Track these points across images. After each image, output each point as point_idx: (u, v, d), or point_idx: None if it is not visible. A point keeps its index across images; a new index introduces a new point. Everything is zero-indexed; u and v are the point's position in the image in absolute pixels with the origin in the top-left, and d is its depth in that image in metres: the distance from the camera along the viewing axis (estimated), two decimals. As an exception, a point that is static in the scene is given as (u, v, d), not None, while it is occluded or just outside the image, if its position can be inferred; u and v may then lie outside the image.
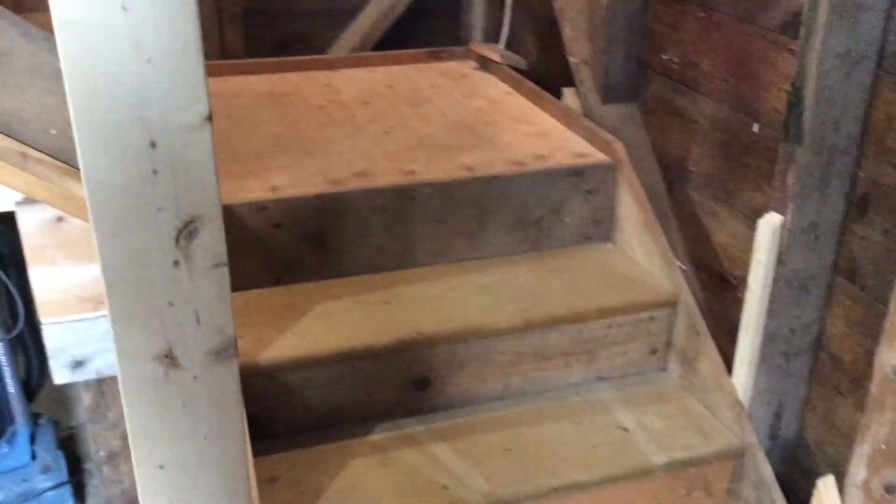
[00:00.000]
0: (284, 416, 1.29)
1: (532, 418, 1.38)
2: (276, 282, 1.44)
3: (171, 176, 0.75)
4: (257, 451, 1.20)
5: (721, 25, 1.46)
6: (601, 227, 1.62)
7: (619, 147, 1.58)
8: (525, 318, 1.38)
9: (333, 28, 2.14)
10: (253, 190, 1.42)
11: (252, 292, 1.41)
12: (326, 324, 1.34)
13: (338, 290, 1.43)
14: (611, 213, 1.61)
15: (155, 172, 0.74)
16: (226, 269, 0.81)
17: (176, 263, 0.78)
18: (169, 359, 0.81)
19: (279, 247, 1.42)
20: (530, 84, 1.93)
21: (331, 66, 2.09)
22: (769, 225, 1.23)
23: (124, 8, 0.67)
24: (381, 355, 1.31)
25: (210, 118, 0.76)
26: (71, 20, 0.66)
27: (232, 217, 1.37)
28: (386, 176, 1.49)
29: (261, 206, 1.39)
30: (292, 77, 2.01)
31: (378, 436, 1.32)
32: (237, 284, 1.39)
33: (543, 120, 1.78)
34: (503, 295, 1.44)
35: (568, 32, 1.75)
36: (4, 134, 1.15)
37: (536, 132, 1.71)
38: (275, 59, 2.05)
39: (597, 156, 1.61)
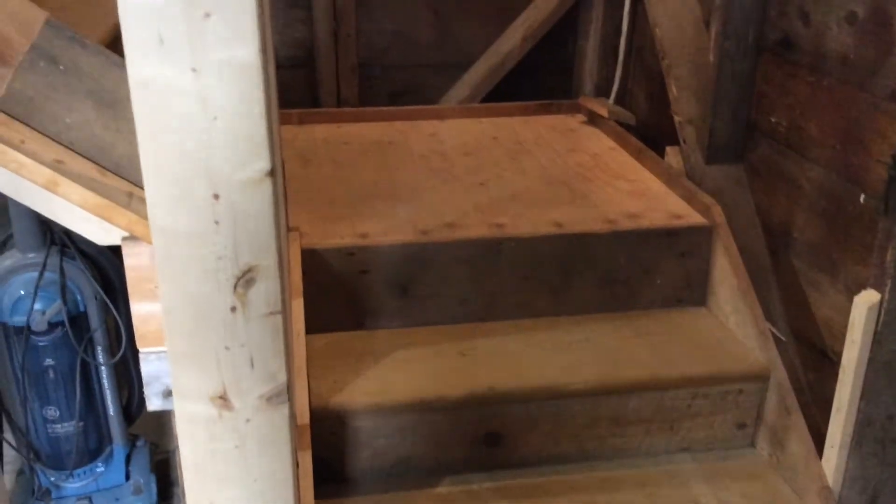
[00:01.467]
0: (354, 461, 1.31)
1: (605, 485, 1.34)
2: (359, 326, 1.47)
3: (231, 227, 0.79)
4: (324, 495, 1.22)
5: (831, 90, 1.39)
6: (694, 292, 1.56)
7: (718, 210, 1.53)
8: (603, 380, 1.35)
9: (444, 80, 2.19)
10: (343, 236, 1.46)
11: (335, 335, 1.44)
12: (402, 372, 1.36)
13: (418, 338, 1.45)
14: (705, 278, 1.55)
15: (217, 223, 0.78)
16: (280, 317, 0.83)
17: (233, 309, 0.82)
18: (223, 400, 0.84)
19: (364, 292, 1.45)
20: (635, 140, 1.90)
21: (439, 116, 2.14)
22: (866, 303, 1.16)
23: (194, 70, 0.72)
24: (453, 408, 1.32)
25: (273, 173, 0.80)
26: (144, 78, 0.71)
27: (320, 261, 1.42)
28: (474, 228, 1.51)
29: (349, 252, 1.43)
30: (401, 126, 2.07)
31: (445, 489, 1.32)
32: (321, 326, 1.45)
33: (643, 178, 1.75)
34: (583, 355, 1.41)
35: (674, 90, 1.73)
36: (116, 174, 1.24)
37: (634, 190, 1.69)
38: (386, 109, 2.12)
39: (693, 217, 1.56)
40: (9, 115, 1.20)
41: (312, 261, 1.42)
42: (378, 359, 1.39)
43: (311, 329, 1.44)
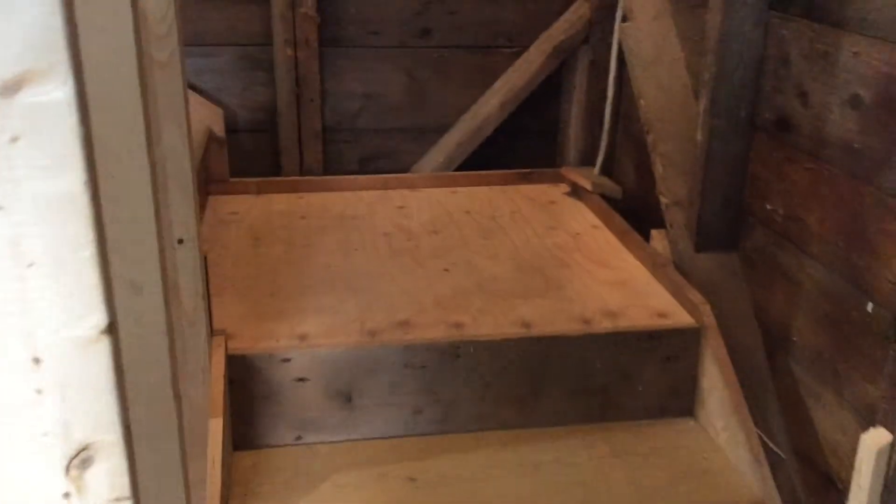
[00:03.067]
0: None
1: None
2: (297, 439, 1.29)
3: (58, 397, 0.62)
4: None
5: (833, 181, 1.22)
6: (680, 400, 1.38)
7: (707, 310, 1.35)
8: (571, 515, 1.17)
9: (418, 145, 2.04)
10: (279, 337, 1.29)
11: (266, 451, 1.27)
12: (338, 500, 1.18)
13: (363, 455, 1.27)
14: (693, 385, 1.37)
15: (39, 392, 0.61)
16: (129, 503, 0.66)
17: (66, 496, 0.64)
18: None
19: (302, 402, 1.28)
20: (619, 220, 1.73)
21: (410, 185, 1.98)
22: (874, 444, 0.97)
23: (1, 207, 0.56)
24: (395, 547, 1.13)
25: (112, 329, 0.63)
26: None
27: (251, 369, 1.25)
28: (429, 328, 1.33)
29: (284, 359, 1.26)
30: (369, 196, 1.91)
31: None
32: (251, 441, 1.27)
33: (627, 264, 1.58)
34: (551, 480, 1.23)
35: (660, 168, 1.56)
36: None
37: (615, 280, 1.51)
38: (352, 178, 1.96)
39: (680, 316, 1.38)
40: None
41: (241, 368, 1.24)
42: (313, 483, 1.21)
43: (239, 445, 1.26)
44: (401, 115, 2.02)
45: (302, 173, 1.98)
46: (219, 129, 1.89)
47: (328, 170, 2.02)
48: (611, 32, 1.82)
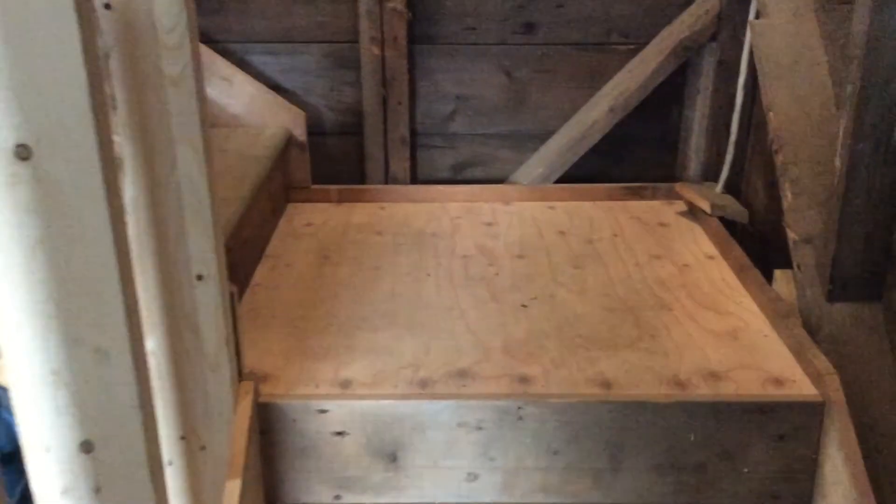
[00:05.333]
0: None
1: None
2: (336, 498, 1.14)
3: None
4: None
5: None
6: (796, 485, 1.13)
7: (834, 382, 1.09)
8: None
9: (517, 152, 1.84)
10: (319, 383, 1.14)
11: (299, 511, 1.13)
12: (368, 581, 1.02)
13: (406, 524, 1.11)
14: (812, 470, 1.12)
15: None
16: None
17: None
18: None
19: (341, 458, 1.13)
20: (739, 252, 1.48)
21: (504, 198, 1.79)
22: None
23: None
24: None
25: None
26: None
27: (284, 419, 1.11)
28: (492, 380, 1.15)
29: (321, 410, 1.11)
30: (455, 209, 1.74)
31: None
32: (288, 499, 1.14)
33: (741, 310, 1.33)
34: (621, 580, 1.02)
35: (788, 197, 1.30)
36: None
37: (724, 330, 1.27)
38: (440, 188, 1.80)
39: (800, 385, 1.13)
40: None
41: (274, 417, 1.11)
42: (344, 555, 1.06)
43: (271, 502, 1.13)
44: (498, 120, 1.83)
45: (387, 181, 1.83)
46: (300, 133, 1.76)
47: (417, 177, 1.86)
48: (743, 29, 1.56)
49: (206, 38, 1.74)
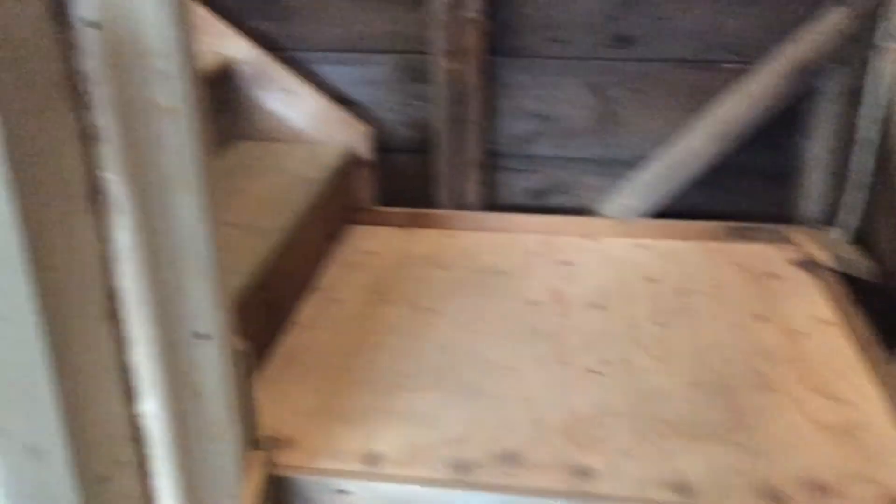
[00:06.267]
0: None
1: None
2: (355, 591, 0.99)
3: None
4: None
5: None
6: None
7: (981, 514, 0.86)
8: None
9: (605, 180, 1.64)
10: (344, 454, 0.99)
11: None
12: None
13: None
14: None
15: None
16: None
17: None
18: None
19: (362, 547, 0.97)
20: (863, 320, 1.23)
21: (588, 232, 1.59)
22: None
23: None
24: None
25: None
26: None
27: (298, 496, 0.96)
28: (543, 469, 0.96)
29: (340, 489, 0.95)
30: (530, 242, 1.56)
31: None
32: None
33: (863, 397, 1.09)
34: None
35: (930, 263, 1.05)
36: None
37: (838, 424, 1.04)
38: (515, 217, 1.61)
39: (934, 511, 0.90)
40: None
41: (288, 492, 0.96)
42: None
43: (279, 588, 0.98)
44: (586, 142, 1.63)
45: (458, 205, 1.66)
46: (365, 151, 1.62)
47: (492, 202, 1.68)
48: (875, 52, 1.31)
49: (271, 47, 1.61)
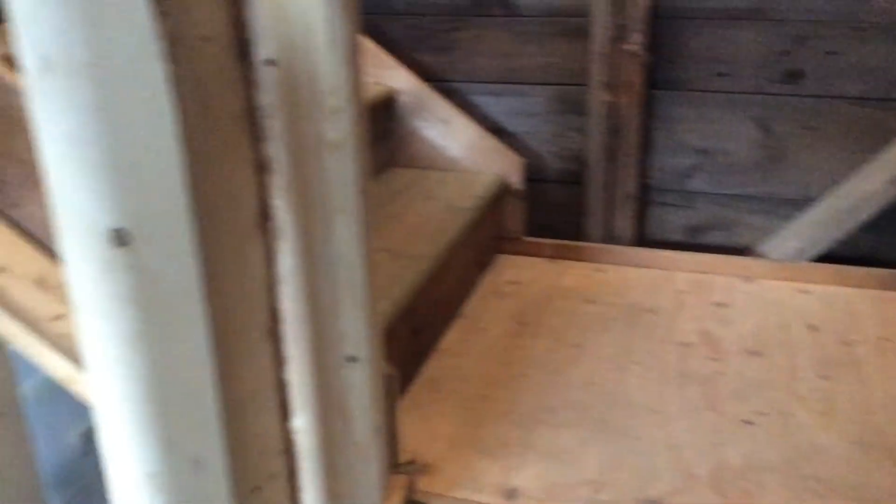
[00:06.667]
0: None
1: None
2: None
3: None
4: None
5: None
6: None
7: None
8: None
9: (768, 219, 1.57)
10: (484, 486, 0.99)
11: None
12: None
13: None
14: None
15: None
16: None
17: None
18: None
19: (496, 580, 0.97)
20: None
21: (746, 273, 1.52)
22: None
23: None
24: None
25: None
26: None
27: (435, 523, 0.97)
28: (688, 522, 0.93)
29: (476, 520, 0.96)
30: (683, 281, 1.51)
31: None
32: None
33: None
34: None
35: None
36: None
37: None
38: (668, 254, 1.57)
39: None
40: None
41: (425, 519, 0.98)
42: None
43: None
44: (748, 180, 1.57)
45: (608, 239, 1.64)
46: (517, 181, 1.63)
47: (644, 238, 1.65)
48: None
49: (430, 78, 1.66)
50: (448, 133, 1.64)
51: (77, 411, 1.57)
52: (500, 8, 1.59)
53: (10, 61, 0.91)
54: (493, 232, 1.62)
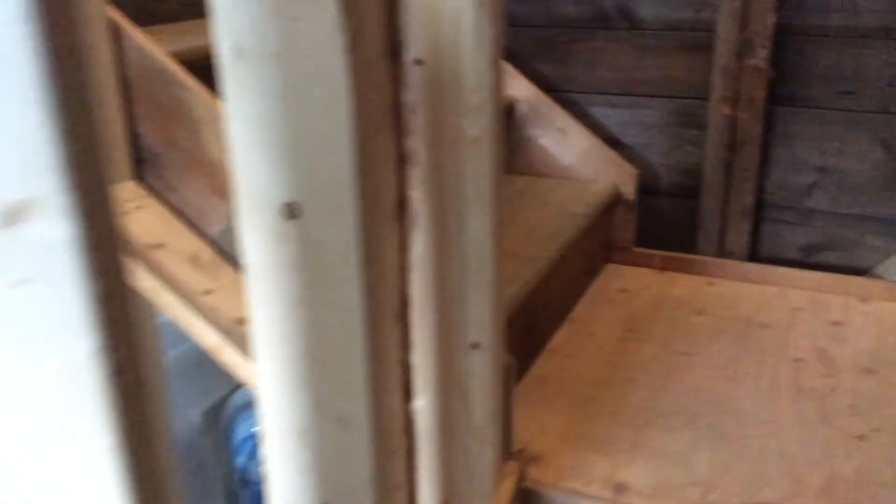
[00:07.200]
0: None
1: None
2: None
3: None
4: None
5: None
6: None
7: None
8: None
9: (887, 240, 1.54)
10: (592, 479, 1.02)
11: None
12: None
13: None
14: None
15: None
16: None
17: None
18: None
19: (601, 571, 0.99)
20: None
21: (863, 293, 1.50)
22: None
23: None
24: None
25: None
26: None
27: (544, 510, 1.01)
28: (798, 529, 0.93)
29: (584, 511, 0.99)
30: (797, 298, 1.50)
31: None
32: None
33: None
34: None
35: None
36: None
37: None
38: (782, 270, 1.56)
39: None
40: (223, 253, 1.06)
41: (535, 505, 1.01)
42: None
43: None
44: (869, 200, 1.54)
45: (721, 254, 1.64)
46: (629, 192, 1.65)
47: (756, 255, 1.64)
48: None
49: (549, 88, 1.71)
50: (564, 142, 1.68)
51: (204, 389, 1.68)
52: (624, 21, 1.62)
53: (177, 57, 1.01)
54: (603, 240, 1.65)
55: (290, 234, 0.66)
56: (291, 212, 0.64)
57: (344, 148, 0.61)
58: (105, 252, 0.40)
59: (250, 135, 0.63)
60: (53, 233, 0.39)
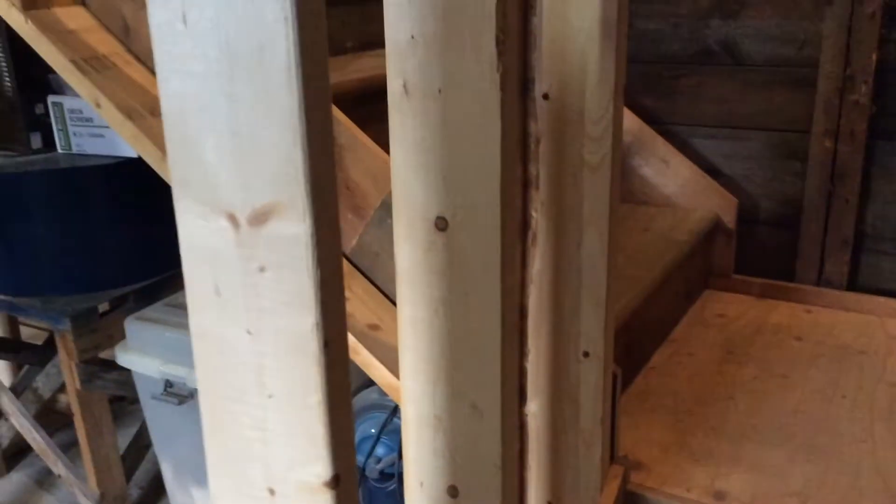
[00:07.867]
0: None
1: None
2: None
3: (287, 532, 0.59)
4: None
5: None
6: None
7: None
8: None
9: None
10: (692, 487, 1.09)
11: None
12: None
13: None
14: None
15: (274, 520, 0.59)
16: None
17: None
18: None
19: (699, 573, 1.06)
20: None
21: (964, 325, 1.51)
22: None
23: (249, 332, 0.55)
24: None
25: (337, 482, 0.57)
26: (203, 330, 0.57)
27: (646, 512, 1.08)
28: (894, 541, 0.98)
29: (685, 514, 1.06)
30: (894, 328, 1.52)
31: None
32: None
33: None
34: None
35: None
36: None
37: None
38: (881, 300, 1.59)
39: None
40: (356, 266, 1.18)
41: (640, 508, 1.09)
42: None
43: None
44: (972, 233, 1.56)
45: (819, 283, 1.67)
46: (729, 220, 1.71)
47: (856, 284, 1.67)
48: None
49: (652, 120, 1.79)
50: (665, 171, 1.75)
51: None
52: (728, 57, 1.69)
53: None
54: (703, 266, 1.71)
55: (440, 244, 0.76)
56: (443, 224, 0.75)
57: (492, 171, 0.72)
58: (328, 246, 0.52)
59: (412, 158, 0.74)
60: (292, 230, 0.51)
